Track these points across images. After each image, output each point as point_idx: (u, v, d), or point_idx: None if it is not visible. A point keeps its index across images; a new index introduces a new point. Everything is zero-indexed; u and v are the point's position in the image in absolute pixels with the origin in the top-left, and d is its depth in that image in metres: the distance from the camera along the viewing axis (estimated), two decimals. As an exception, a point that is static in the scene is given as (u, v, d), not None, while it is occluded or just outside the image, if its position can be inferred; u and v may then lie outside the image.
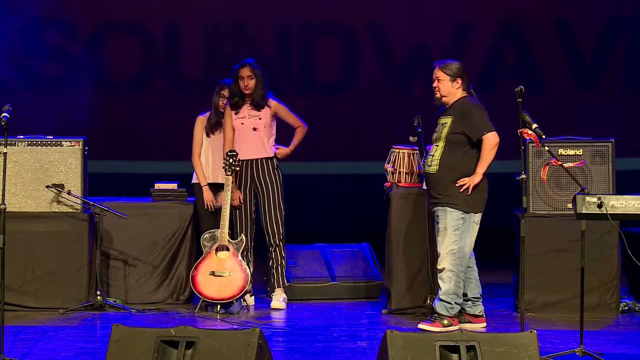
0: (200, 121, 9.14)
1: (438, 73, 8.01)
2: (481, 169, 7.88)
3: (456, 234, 7.88)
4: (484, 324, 8.10)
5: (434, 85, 8.03)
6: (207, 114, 9.12)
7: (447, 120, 7.98)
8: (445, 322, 7.91)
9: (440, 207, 7.92)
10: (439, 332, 7.55)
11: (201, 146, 9.13)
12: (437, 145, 7.99)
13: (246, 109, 8.86)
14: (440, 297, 7.94)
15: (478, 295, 8.13)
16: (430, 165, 8.00)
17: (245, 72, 8.78)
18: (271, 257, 8.94)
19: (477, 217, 7.94)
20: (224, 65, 12.51)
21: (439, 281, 7.96)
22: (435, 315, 7.96)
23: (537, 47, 12.63)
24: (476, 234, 7.98)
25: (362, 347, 7.42)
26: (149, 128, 12.47)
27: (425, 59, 12.47)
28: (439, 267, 7.95)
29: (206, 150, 9.13)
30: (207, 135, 9.11)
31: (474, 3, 12.68)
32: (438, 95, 8.04)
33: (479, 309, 8.13)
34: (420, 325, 7.92)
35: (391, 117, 12.10)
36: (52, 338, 7.67)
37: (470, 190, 7.85)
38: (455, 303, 7.94)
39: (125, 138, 12.53)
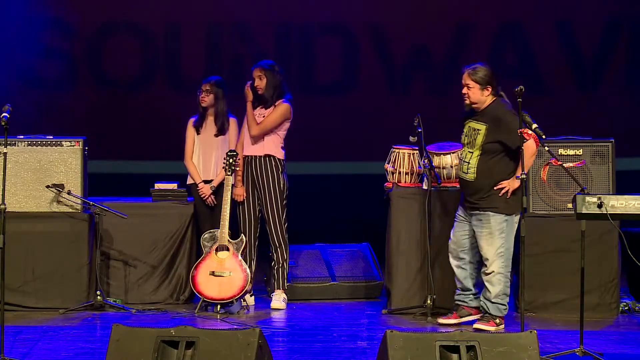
0: (191, 124, 9.22)
1: (467, 80, 7.96)
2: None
3: (502, 237, 7.91)
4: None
5: (464, 92, 7.98)
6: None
7: (480, 127, 7.93)
8: (498, 321, 7.98)
9: (482, 212, 7.94)
10: (494, 331, 7.69)
11: (192, 148, 9.18)
12: (472, 153, 7.96)
13: (259, 109, 8.93)
14: (492, 300, 7.98)
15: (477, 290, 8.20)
16: (467, 173, 7.99)
17: (256, 72, 8.92)
18: (273, 258, 8.96)
19: (517, 218, 7.95)
20: (224, 65, 12.52)
21: (487, 284, 7.98)
22: (488, 315, 7.99)
23: (537, 47, 12.62)
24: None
25: (362, 347, 7.43)
26: (149, 128, 12.45)
27: (425, 59, 12.47)
28: (487, 271, 7.96)
29: (197, 149, 9.18)
30: (198, 133, 9.18)
31: (474, 3, 12.66)
32: (468, 102, 7.99)
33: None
34: (476, 325, 7.93)
35: (391, 117, 12.09)
36: (52, 338, 7.67)
37: (509, 194, 7.86)
38: (506, 303, 8.00)
39: (125, 138, 12.51)
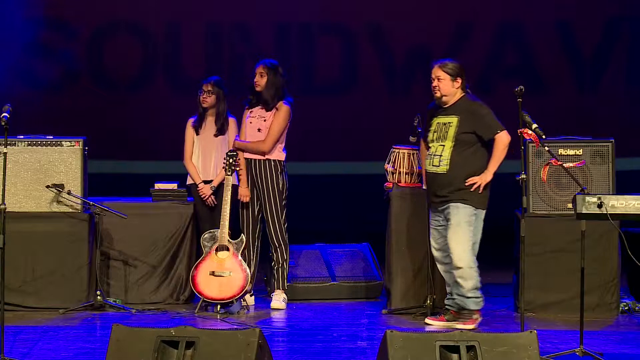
0: (190, 124, 9.22)
1: (438, 72, 7.98)
2: (493, 167, 7.86)
3: (470, 230, 7.89)
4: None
5: (434, 84, 7.99)
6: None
7: (451, 120, 7.94)
8: (475, 316, 7.96)
9: (452, 204, 7.90)
10: (473, 328, 7.70)
11: (192, 148, 9.18)
12: (443, 146, 7.94)
13: (258, 109, 8.91)
14: (467, 295, 7.92)
15: None
16: (439, 165, 7.95)
17: (259, 69, 8.86)
18: (273, 258, 8.96)
19: (484, 213, 7.96)
20: (224, 65, 12.53)
21: (459, 280, 7.92)
22: (466, 312, 7.97)
23: (537, 47, 12.63)
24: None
25: (362, 347, 7.42)
26: (149, 128, 12.47)
27: (425, 59, 12.44)
28: (457, 265, 7.90)
29: (197, 149, 9.19)
30: (197, 134, 9.18)
31: (474, 3, 12.68)
32: (438, 94, 7.99)
33: None
34: (457, 326, 7.85)
35: (391, 117, 12.09)
36: (52, 338, 7.67)
37: (481, 189, 7.86)
38: (481, 294, 7.97)
39: (125, 138, 12.53)
